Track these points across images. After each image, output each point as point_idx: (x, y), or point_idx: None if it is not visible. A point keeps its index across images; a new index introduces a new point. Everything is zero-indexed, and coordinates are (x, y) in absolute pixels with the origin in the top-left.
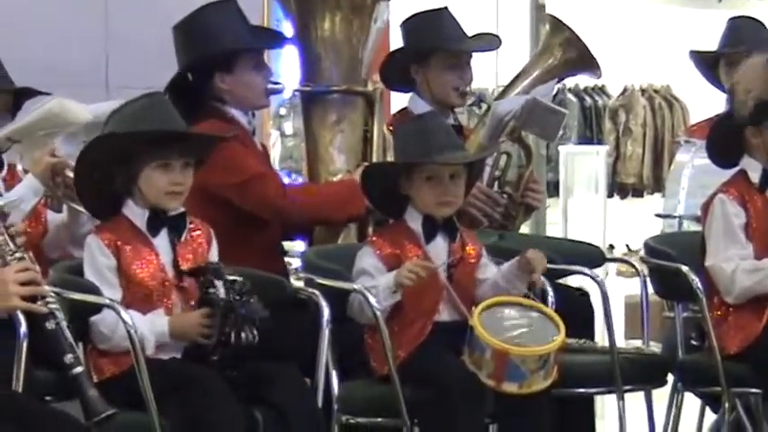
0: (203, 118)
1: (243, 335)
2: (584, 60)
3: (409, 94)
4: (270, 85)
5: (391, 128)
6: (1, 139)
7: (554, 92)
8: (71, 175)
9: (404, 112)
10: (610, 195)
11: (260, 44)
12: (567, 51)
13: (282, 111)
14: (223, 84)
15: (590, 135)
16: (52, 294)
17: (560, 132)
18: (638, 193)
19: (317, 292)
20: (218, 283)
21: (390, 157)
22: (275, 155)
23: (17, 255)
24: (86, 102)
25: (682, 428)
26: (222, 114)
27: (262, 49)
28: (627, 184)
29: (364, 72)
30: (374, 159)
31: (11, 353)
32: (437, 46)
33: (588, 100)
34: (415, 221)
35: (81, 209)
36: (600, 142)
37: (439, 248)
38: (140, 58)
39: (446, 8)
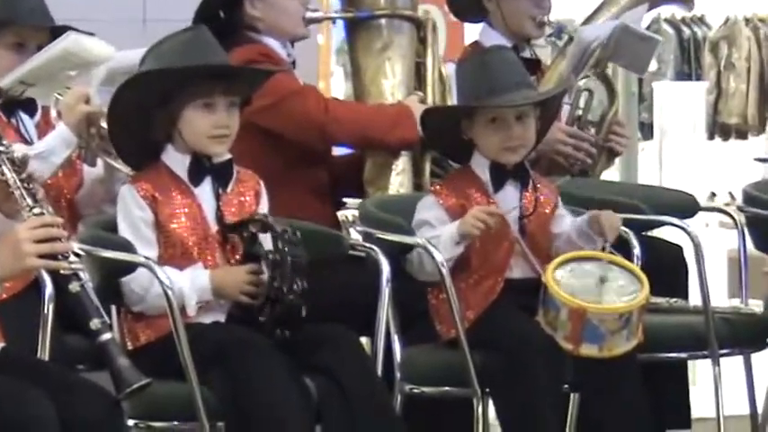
0: (235, 47)
1: (295, 286)
2: None
3: (481, 26)
4: (308, 14)
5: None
6: (13, 81)
7: (647, 22)
8: (103, 130)
9: (475, 45)
10: (710, 137)
11: None
12: None
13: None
14: (254, 10)
15: (688, 70)
16: (79, 252)
17: (653, 65)
18: (741, 134)
19: (375, 247)
20: (265, 236)
21: (450, 95)
22: (339, 94)
23: (35, 210)
24: (124, 39)
25: None
26: (257, 44)
27: None
28: (729, 125)
29: None
30: (429, 96)
31: (38, 318)
32: None
33: (686, 31)
34: (481, 168)
35: (117, 164)
36: (699, 78)
37: (509, 198)
38: None
39: None
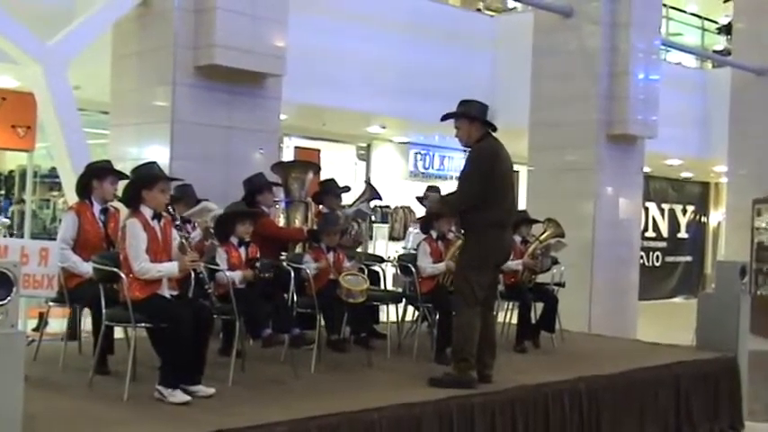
0: (255, 207)
1: (266, 275)
2: (375, 193)
3: (320, 206)
4: (276, 199)
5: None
6: (187, 215)
7: (372, 204)
8: (212, 231)
9: (322, 210)
10: (390, 240)
11: (271, 185)
12: (367, 193)
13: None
14: (261, 196)
15: (383, 221)
16: (201, 265)
17: (371, 217)
18: (398, 240)
19: (290, 269)
20: (259, 263)
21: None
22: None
23: (189, 252)
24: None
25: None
26: (261, 207)
27: (272, 186)
28: (396, 237)
29: (306, 194)
30: (308, 226)
31: (188, 285)
32: (331, 190)
33: (379, 209)
34: (324, 247)
35: (215, 241)
36: (385, 222)
37: (331, 256)
38: None
39: (333, 179)
